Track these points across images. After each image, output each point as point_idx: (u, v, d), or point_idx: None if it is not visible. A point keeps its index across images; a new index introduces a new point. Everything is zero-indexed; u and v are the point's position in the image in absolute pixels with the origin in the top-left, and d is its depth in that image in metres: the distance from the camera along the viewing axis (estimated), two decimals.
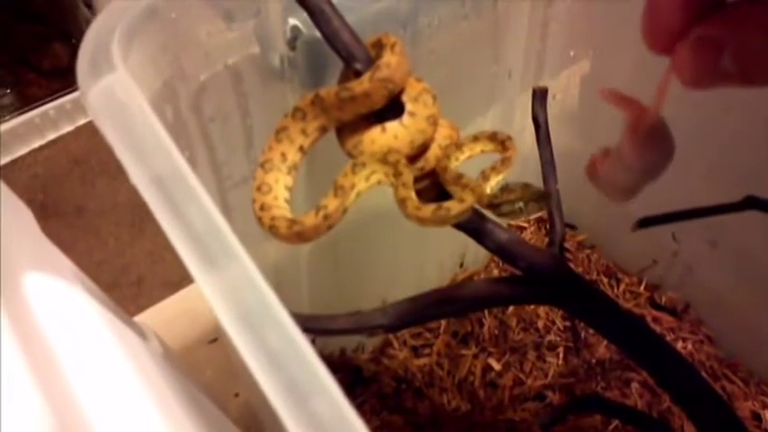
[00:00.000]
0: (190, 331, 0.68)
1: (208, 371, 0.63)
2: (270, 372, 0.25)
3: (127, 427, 0.27)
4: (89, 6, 1.52)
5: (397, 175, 0.37)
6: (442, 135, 0.39)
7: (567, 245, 0.65)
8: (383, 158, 0.38)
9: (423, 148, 0.39)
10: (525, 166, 0.66)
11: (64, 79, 1.51)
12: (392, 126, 0.38)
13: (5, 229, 0.32)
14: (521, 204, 0.38)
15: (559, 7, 0.52)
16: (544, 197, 0.37)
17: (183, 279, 0.83)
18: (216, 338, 0.65)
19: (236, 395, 0.61)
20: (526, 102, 0.58)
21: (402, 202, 0.37)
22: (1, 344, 0.24)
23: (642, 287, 0.65)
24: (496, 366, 0.60)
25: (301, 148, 0.37)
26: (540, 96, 0.44)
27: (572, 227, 0.68)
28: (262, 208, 0.37)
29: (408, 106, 0.38)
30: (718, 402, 0.42)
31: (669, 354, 0.42)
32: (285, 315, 0.26)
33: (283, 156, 0.37)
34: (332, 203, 0.36)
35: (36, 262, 0.34)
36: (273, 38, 0.40)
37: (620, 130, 0.38)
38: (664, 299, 0.64)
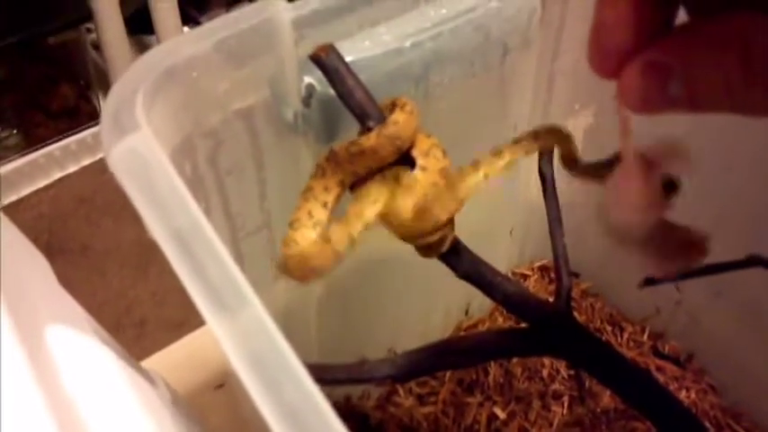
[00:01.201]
0: (195, 377, 0.68)
1: (213, 417, 0.64)
2: (286, 424, 0.25)
3: None
4: (97, 48, 1.55)
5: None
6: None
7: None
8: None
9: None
10: (532, 215, 0.67)
11: (70, 120, 1.53)
12: (406, 182, 0.39)
13: (26, 278, 0.33)
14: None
15: (565, 60, 0.53)
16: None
17: (186, 321, 0.84)
18: (222, 384, 0.66)
19: None
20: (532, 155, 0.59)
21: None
22: (29, 398, 0.24)
23: (645, 336, 0.65)
24: (501, 415, 0.60)
25: (325, 205, 0.38)
26: (546, 152, 0.45)
27: (576, 275, 0.69)
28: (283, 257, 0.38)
29: (420, 161, 0.39)
30: None
31: (674, 406, 0.43)
32: (300, 367, 0.27)
33: (309, 214, 0.38)
34: (335, 229, 0.37)
35: (54, 312, 0.35)
36: (288, 95, 0.41)
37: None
38: (667, 348, 0.65)
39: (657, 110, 0.25)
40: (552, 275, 0.69)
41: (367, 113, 0.38)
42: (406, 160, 0.39)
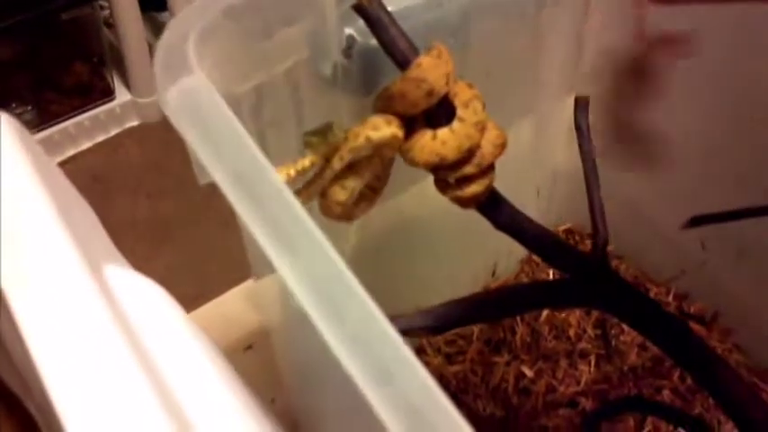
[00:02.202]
0: (223, 339, 0.69)
1: (244, 377, 0.64)
2: (354, 352, 0.26)
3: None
4: (109, 26, 1.55)
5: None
6: (494, 135, 0.40)
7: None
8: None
9: (469, 153, 0.41)
10: (556, 179, 0.67)
11: (84, 97, 1.53)
12: (442, 132, 0.40)
13: (83, 221, 0.33)
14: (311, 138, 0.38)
15: (594, 22, 0.54)
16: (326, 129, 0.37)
17: (201, 295, 0.84)
18: (250, 345, 0.66)
19: (273, 401, 0.62)
20: (560, 112, 0.60)
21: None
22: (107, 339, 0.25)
23: (671, 296, 0.66)
24: (529, 373, 0.61)
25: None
26: (582, 106, 0.45)
27: None
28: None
29: (459, 111, 0.40)
30: (758, 402, 0.43)
31: (710, 355, 0.43)
32: (370, 300, 0.27)
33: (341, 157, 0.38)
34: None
35: (108, 254, 0.35)
36: (328, 47, 0.42)
37: None
38: (692, 308, 0.65)
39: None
40: (577, 238, 0.69)
41: (409, 61, 0.38)
42: (447, 110, 0.39)
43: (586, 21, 0.54)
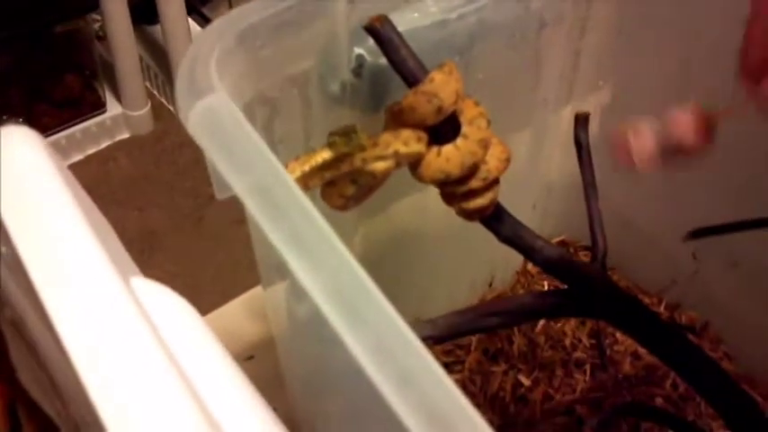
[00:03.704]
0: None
1: None
2: (376, 358, 0.27)
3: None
4: (101, 39, 1.56)
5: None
6: (499, 150, 0.42)
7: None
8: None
9: (473, 169, 0.42)
10: (550, 192, 0.69)
11: (75, 110, 1.54)
12: (446, 149, 0.41)
13: (108, 239, 0.34)
14: (335, 138, 0.39)
15: (591, 38, 0.55)
16: (349, 133, 0.38)
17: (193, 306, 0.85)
18: (252, 356, 0.67)
19: (275, 410, 0.63)
20: (555, 127, 0.62)
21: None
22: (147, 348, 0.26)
23: (662, 307, 0.68)
24: (526, 382, 0.62)
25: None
26: (582, 121, 0.47)
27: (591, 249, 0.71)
28: None
29: (463, 128, 0.41)
30: (752, 406, 0.44)
31: (707, 363, 0.45)
32: (388, 305, 0.29)
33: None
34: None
35: (133, 269, 0.36)
36: (338, 66, 0.43)
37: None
38: (684, 318, 0.67)
39: None
40: (571, 250, 0.71)
41: (418, 80, 0.40)
42: (453, 126, 0.41)
43: (583, 38, 0.56)
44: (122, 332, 0.27)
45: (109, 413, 0.24)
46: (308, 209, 0.30)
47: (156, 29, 1.53)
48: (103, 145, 1.56)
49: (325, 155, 0.38)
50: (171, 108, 1.60)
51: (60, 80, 1.50)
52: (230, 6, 1.61)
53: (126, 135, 1.57)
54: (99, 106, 1.53)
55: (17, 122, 1.55)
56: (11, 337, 0.35)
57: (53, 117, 1.51)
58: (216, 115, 0.33)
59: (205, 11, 1.67)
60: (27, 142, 0.32)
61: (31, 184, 0.30)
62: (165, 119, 1.59)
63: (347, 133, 0.38)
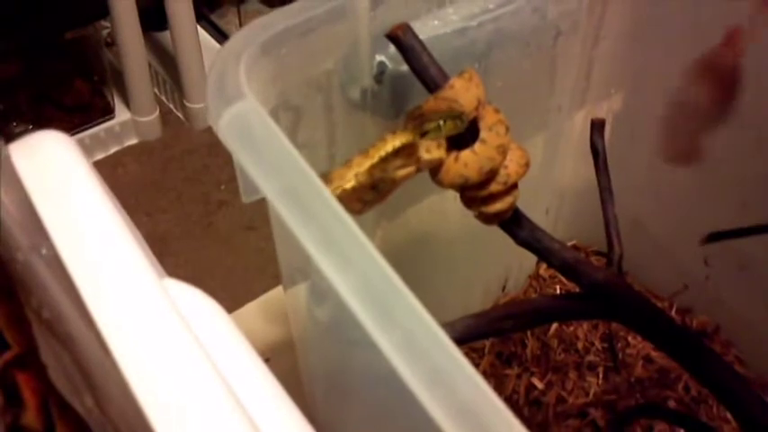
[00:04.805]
0: None
1: None
2: (408, 357, 0.28)
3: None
4: (108, 45, 1.57)
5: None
6: (518, 155, 0.43)
7: None
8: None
9: (491, 174, 0.43)
10: (563, 197, 0.70)
11: (84, 115, 1.55)
12: (464, 154, 0.42)
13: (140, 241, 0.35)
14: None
15: (604, 47, 0.56)
16: (459, 116, 0.39)
17: None
18: (268, 358, 0.68)
19: None
20: (568, 133, 0.62)
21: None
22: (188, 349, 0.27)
23: (674, 311, 0.68)
24: (539, 385, 0.63)
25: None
26: (598, 127, 0.48)
27: (604, 254, 0.71)
28: None
29: (482, 134, 0.42)
30: (766, 409, 0.45)
31: (723, 367, 0.46)
32: (420, 306, 0.29)
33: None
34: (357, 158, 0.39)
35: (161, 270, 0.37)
36: (360, 72, 0.44)
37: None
38: (695, 322, 0.68)
39: None
40: (584, 254, 0.71)
41: (440, 87, 0.41)
42: (473, 132, 0.42)
43: (596, 46, 0.57)
44: (162, 331, 0.28)
45: (154, 411, 0.24)
46: (338, 211, 0.31)
47: (165, 35, 1.54)
48: (112, 151, 1.57)
49: (396, 141, 0.39)
50: (179, 114, 1.61)
51: (70, 86, 1.52)
52: (239, 14, 1.63)
53: (134, 141, 1.58)
54: (108, 112, 1.54)
55: (26, 128, 1.55)
56: (42, 337, 0.36)
57: (62, 123, 1.52)
58: (245, 121, 0.34)
59: (214, 18, 1.68)
60: (62, 146, 0.33)
61: (69, 187, 0.31)
62: (174, 125, 1.60)
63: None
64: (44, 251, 0.30)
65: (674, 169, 0.66)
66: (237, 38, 0.37)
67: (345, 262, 0.30)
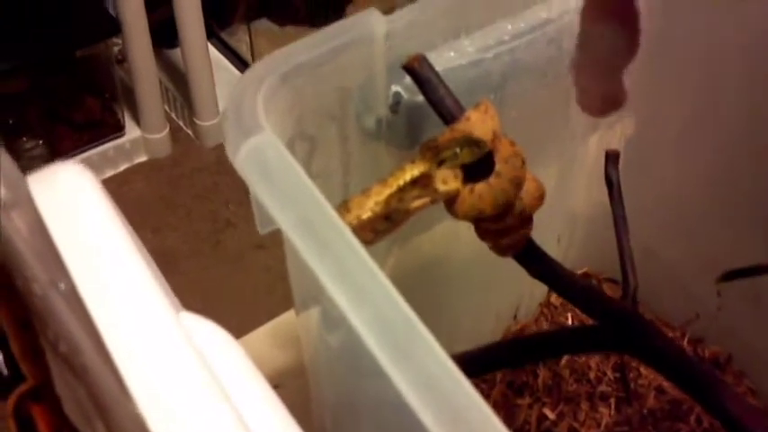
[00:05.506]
0: None
1: None
2: (423, 394, 0.28)
3: None
4: (120, 63, 1.58)
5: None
6: (533, 187, 0.42)
7: None
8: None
9: (506, 208, 0.43)
10: (575, 224, 0.69)
11: (94, 132, 1.56)
12: (479, 187, 0.42)
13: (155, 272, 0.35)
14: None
15: None
16: (476, 143, 0.39)
17: None
18: (278, 385, 0.67)
19: None
20: (581, 160, 0.62)
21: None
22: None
23: (685, 341, 0.68)
24: (551, 416, 0.62)
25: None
26: (613, 159, 0.48)
27: (616, 282, 0.71)
28: None
29: (497, 166, 0.42)
30: None
31: (735, 399, 0.45)
32: (432, 338, 0.29)
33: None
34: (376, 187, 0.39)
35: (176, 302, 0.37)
36: (375, 102, 0.44)
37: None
38: (707, 352, 0.67)
39: None
40: (594, 282, 0.71)
41: (456, 119, 0.41)
42: (488, 164, 0.42)
43: None
44: (178, 366, 0.28)
45: None
46: (353, 243, 0.31)
47: (176, 53, 1.55)
48: (122, 168, 1.57)
49: (415, 170, 0.39)
50: (189, 131, 1.61)
51: (80, 103, 1.52)
52: (249, 32, 1.63)
53: (144, 158, 1.58)
54: (118, 129, 1.54)
55: (36, 144, 1.55)
56: (57, 368, 0.36)
57: (72, 139, 1.52)
58: (263, 155, 0.34)
59: (224, 35, 1.69)
60: (82, 179, 0.33)
61: (88, 220, 0.31)
62: (183, 142, 1.60)
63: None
64: (62, 286, 0.30)
65: (687, 197, 0.66)
66: (256, 68, 0.37)
67: (360, 296, 0.30)
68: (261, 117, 0.35)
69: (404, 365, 0.29)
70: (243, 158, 0.34)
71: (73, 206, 0.31)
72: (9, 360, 0.36)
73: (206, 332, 0.33)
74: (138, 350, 0.27)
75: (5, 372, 0.36)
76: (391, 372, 0.29)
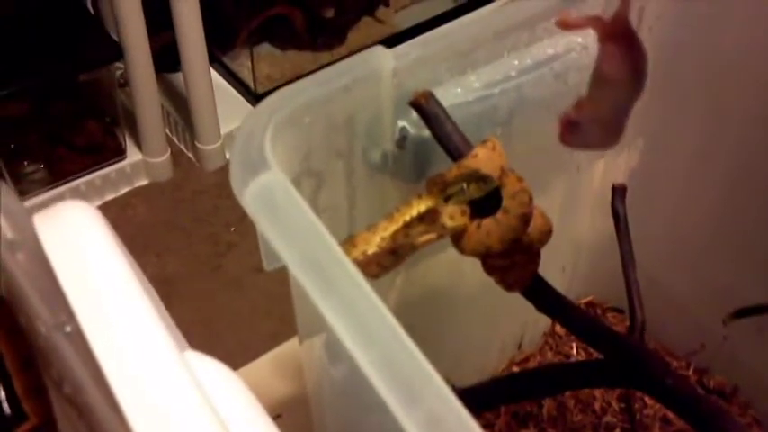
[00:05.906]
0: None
1: None
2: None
3: None
4: (122, 86, 1.58)
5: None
6: (540, 223, 0.42)
7: (615, 329, 0.68)
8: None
9: (513, 244, 0.42)
10: (579, 254, 0.69)
11: (96, 156, 1.55)
12: (486, 223, 0.42)
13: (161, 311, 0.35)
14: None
15: None
16: (483, 179, 0.39)
17: (209, 354, 0.85)
18: (279, 414, 0.67)
19: None
20: (586, 190, 0.62)
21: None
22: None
23: (690, 370, 0.68)
24: None
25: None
26: (619, 193, 0.47)
27: (620, 311, 0.71)
28: None
29: (505, 202, 0.42)
30: None
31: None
32: (435, 373, 0.29)
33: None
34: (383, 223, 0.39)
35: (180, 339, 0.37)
36: (382, 137, 0.44)
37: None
38: (712, 382, 0.67)
39: None
40: (598, 311, 0.71)
41: (463, 154, 0.41)
42: (495, 200, 0.42)
43: None
44: (182, 406, 0.27)
45: None
46: (359, 281, 0.31)
47: (178, 77, 1.55)
48: (122, 191, 1.57)
49: (422, 206, 0.39)
50: (190, 155, 1.61)
51: (82, 127, 1.52)
52: (251, 56, 1.64)
53: (145, 182, 1.58)
54: (119, 153, 1.54)
55: (37, 168, 1.54)
56: (59, 406, 0.36)
57: (73, 163, 1.52)
58: (270, 193, 0.34)
59: (226, 60, 1.69)
60: (88, 218, 0.33)
61: (94, 260, 0.31)
62: (185, 166, 1.60)
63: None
64: (68, 329, 0.30)
65: (692, 227, 0.66)
66: (264, 105, 0.37)
67: (366, 335, 0.30)
68: (268, 154, 0.35)
69: (411, 407, 0.29)
70: (250, 196, 0.34)
71: (78, 246, 0.31)
72: (12, 398, 0.36)
73: (209, 370, 0.33)
74: (142, 391, 0.27)
75: (8, 410, 0.35)
76: (398, 413, 0.29)
